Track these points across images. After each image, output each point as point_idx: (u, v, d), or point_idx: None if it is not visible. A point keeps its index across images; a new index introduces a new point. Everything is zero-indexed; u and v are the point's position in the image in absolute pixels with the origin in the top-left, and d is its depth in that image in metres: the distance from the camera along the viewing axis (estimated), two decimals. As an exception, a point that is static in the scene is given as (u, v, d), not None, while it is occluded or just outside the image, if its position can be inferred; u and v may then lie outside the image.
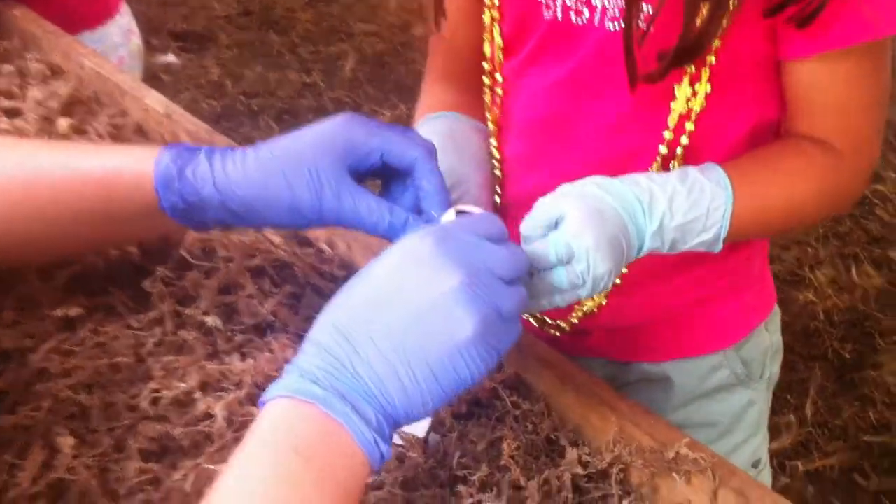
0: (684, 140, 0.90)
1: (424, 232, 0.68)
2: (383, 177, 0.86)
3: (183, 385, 0.87)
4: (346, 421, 0.62)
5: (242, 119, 3.24)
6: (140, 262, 0.99)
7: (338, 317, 0.66)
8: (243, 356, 0.89)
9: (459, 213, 0.79)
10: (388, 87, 3.40)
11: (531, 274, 0.77)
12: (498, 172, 1.06)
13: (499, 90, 1.01)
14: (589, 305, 1.04)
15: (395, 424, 0.65)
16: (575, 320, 1.06)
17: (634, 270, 0.99)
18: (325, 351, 0.65)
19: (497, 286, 0.66)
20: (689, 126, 0.89)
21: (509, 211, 1.05)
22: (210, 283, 0.94)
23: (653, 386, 1.14)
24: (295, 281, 0.98)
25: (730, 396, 1.14)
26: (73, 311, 0.93)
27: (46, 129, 1.18)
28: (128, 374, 0.88)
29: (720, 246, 0.85)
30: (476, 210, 0.80)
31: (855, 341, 2.50)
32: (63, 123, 1.19)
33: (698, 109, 0.88)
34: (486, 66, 1.01)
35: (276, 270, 0.98)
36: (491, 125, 1.04)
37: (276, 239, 1.02)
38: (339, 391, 0.63)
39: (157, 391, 0.86)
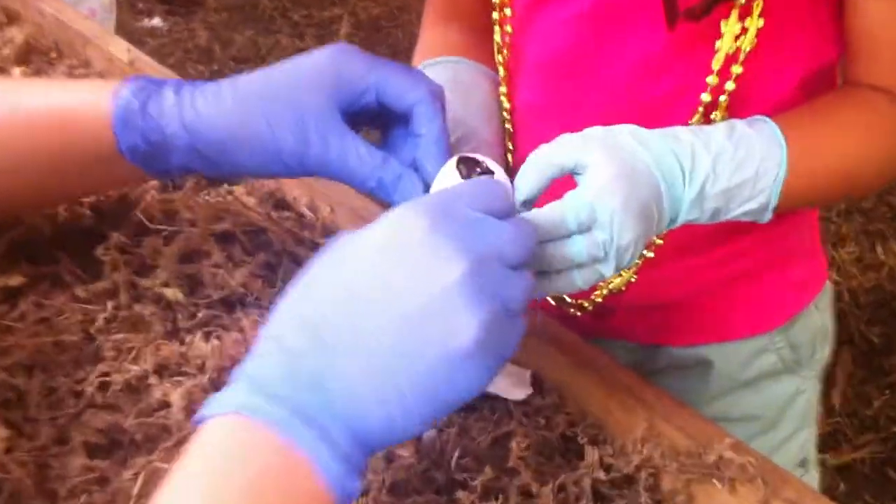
0: (729, 86, 0.77)
1: (418, 205, 0.55)
2: (383, 124, 0.75)
3: (136, 368, 0.75)
4: (313, 453, 0.49)
5: (231, 85, 3.11)
6: (92, 226, 0.87)
7: (305, 309, 0.53)
8: (207, 336, 0.77)
9: (464, 161, 0.67)
10: (385, 53, 3.26)
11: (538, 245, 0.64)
12: (509, 126, 0.93)
13: (508, 27, 0.88)
14: (616, 283, 0.92)
15: (370, 453, 0.52)
16: (598, 298, 0.94)
17: (668, 241, 0.86)
18: (288, 354, 0.51)
19: (504, 276, 0.54)
20: (736, 69, 0.76)
21: None
22: (170, 249, 0.82)
23: (686, 374, 1.01)
24: (270, 249, 0.86)
25: (775, 385, 1.02)
26: (14, 281, 0.81)
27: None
28: (74, 354, 0.77)
29: (769, 216, 0.72)
30: (483, 160, 0.67)
31: (883, 324, 2.37)
32: (17, 73, 1.06)
33: (748, 49, 0.75)
34: None
35: (248, 237, 0.86)
36: (500, 70, 0.91)
37: (249, 200, 0.89)
38: (305, 411, 0.50)
39: (106, 375, 0.75)
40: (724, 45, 0.75)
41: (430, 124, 0.69)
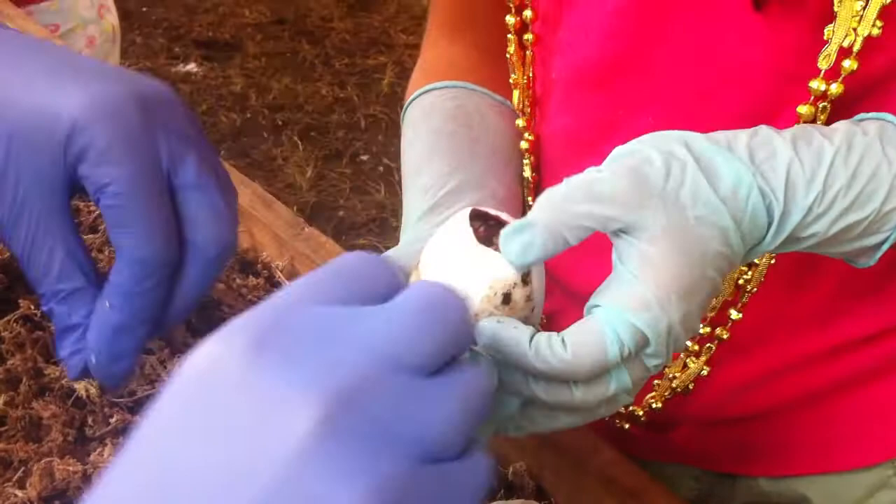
0: (835, 89, 0.53)
1: (232, 326, 0.32)
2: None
3: (20, 495, 0.54)
4: None
5: (264, 134, 2.94)
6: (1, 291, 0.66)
7: None
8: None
9: (478, 217, 0.45)
10: (428, 105, 3.09)
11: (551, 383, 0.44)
12: (528, 169, 0.70)
13: (528, 35, 0.66)
14: (680, 379, 0.68)
15: None
16: (656, 404, 0.70)
17: (751, 316, 0.63)
18: None
19: (408, 396, 0.31)
20: (850, 65, 0.52)
21: None
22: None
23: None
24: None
25: None
26: None
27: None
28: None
29: (877, 256, 0.49)
30: (499, 215, 0.46)
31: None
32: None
33: (869, 34, 0.52)
34: None
35: (197, 311, 0.65)
36: (516, 94, 0.68)
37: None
38: None
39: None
40: (837, 34, 0.51)
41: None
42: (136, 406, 0.59)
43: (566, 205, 0.44)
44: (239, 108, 3.04)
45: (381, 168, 2.81)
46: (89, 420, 0.58)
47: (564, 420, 0.45)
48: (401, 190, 0.65)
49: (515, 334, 0.43)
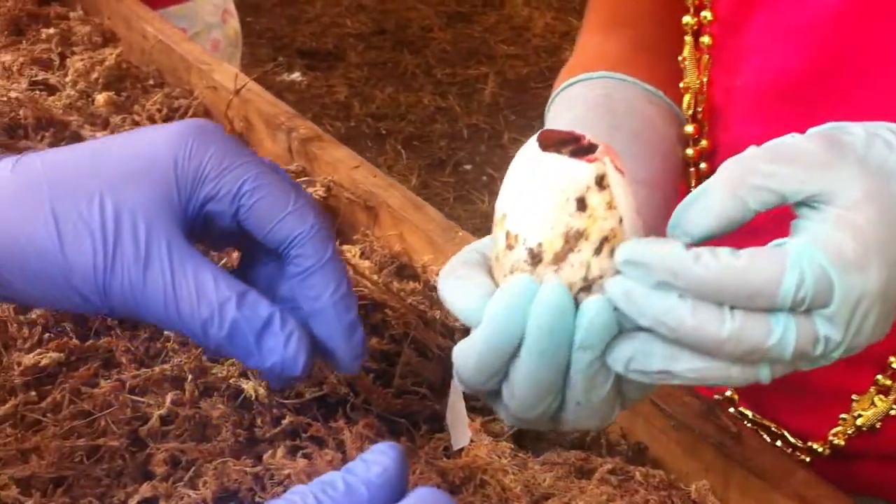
0: None
1: None
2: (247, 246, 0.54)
3: (192, 495, 0.53)
4: None
5: (368, 143, 2.95)
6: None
7: None
8: (293, 451, 0.55)
9: (548, 135, 0.42)
10: (533, 115, 3.05)
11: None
12: (693, 184, 0.67)
13: (706, 38, 0.63)
14: (866, 417, 0.64)
15: None
16: (838, 441, 0.66)
17: None
18: None
19: None
20: None
21: None
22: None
23: None
24: (386, 332, 0.63)
25: None
26: (48, 359, 0.61)
27: (84, 106, 0.88)
28: (114, 465, 0.56)
29: None
30: (577, 132, 0.43)
31: None
32: (100, 99, 0.88)
33: None
34: None
35: (359, 313, 0.64)
36: (686, 98, 0.65)
37: (363, 264, 0.67)
38: None
39: (152, 502, 0.53)
40: None
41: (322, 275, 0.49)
42: (304, 408, 0.58)
43: (751, 164, 0.41)
44: (343, 117, 3.06)
45: (484, 177, 2.80)
46: (258, 421, 0.57)
47: (684, 364, 0.40)
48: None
49: (667, 244, 0.39)
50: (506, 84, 3.28)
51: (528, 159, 0.43)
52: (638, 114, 0.64)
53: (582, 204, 0.41)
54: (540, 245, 0.41)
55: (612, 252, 0.41)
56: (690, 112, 0.66)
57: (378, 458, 0.40)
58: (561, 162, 0.41)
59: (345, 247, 0.72)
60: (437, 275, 0.70)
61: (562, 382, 0.42)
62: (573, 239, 0.41)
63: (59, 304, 0.49)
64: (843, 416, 0.64)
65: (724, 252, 0.39)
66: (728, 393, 0.72)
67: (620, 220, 0.41)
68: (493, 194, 2.71)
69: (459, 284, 0.43)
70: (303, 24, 3.59)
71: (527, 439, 0.61)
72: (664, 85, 0.67)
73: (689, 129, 0.66)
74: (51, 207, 0.46)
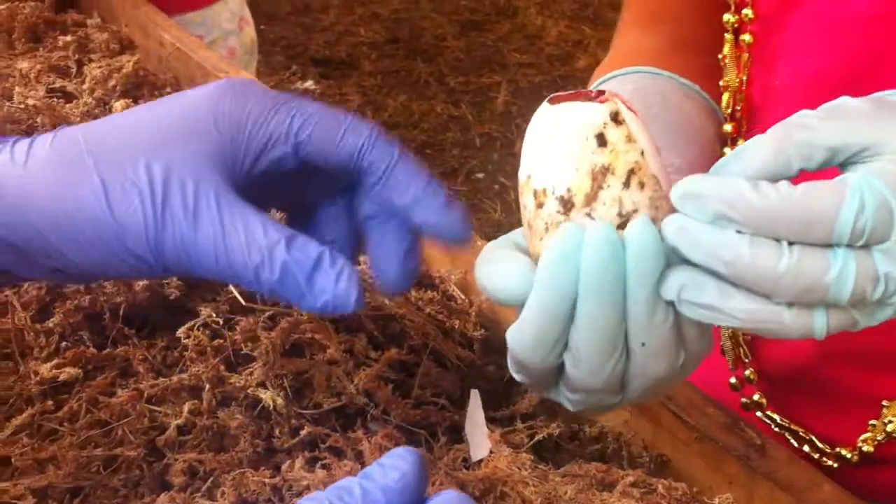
0: None
1: None
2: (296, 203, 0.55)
3: (209, 505, 0.53)
4: None
5: (381, 151, 2.95)
6: (180, 297, 0.66)
7: None
8: (312, 462, 0.54)
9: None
10: (544, 124, 3.06)
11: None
12: None
13: (746, 36, 0.62)
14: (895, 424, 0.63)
15: None
16: (867, 448, 0.66)
17: None
18: None
19: None
20: None
21: None
22: (272, 336, 0.60)
23: None
24: (404, 343, 0.63)
25: None
26: (66, 374, 0.60)
27: (101, 113, 0.88)
28: (131, 475, 0.55)
29: None
30: (586, 90, 0.44)
31: None
32: (118, 106, 0.88)
33: None
34: None
35: (377, 324, 0.63)
36: (725, 97, 0.64)
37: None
38: None
39: (167, 513, 0.53)
40: None
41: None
42: (322, 418, 0.58)
43: (798, 120, 0.40)
44: (356, 125, 3.06)
45: (496, 186, 2.79)
46: (276, 431, 0.57)
47: (737, 302, 0.39)
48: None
49: (724, 179, 0.39)
50: (518, 92, 3.28)
51: (542, 120, 0.44)
52: (674, 107, 0.63)
53: (602, 139, 0.41)
54: (569, 190, 0.42)
55: (640, 184, 0.42)
56: (729, 111, 0.65)
57: (396, 463, 0.40)
58: (574, 108, 0.42)
59: (361, 258, 0.71)
60: (455, 285, 0.70)
61: (623, 330, 0.41)
62: (600, 175, 0.41)
63: (114, 270, 0.49)
64: (872, 421, 0.63)
65: (783, 183, 0.38)
66: (756, 397, 0.71)
67: (642, 153, 0.42)
68: (506, 203, 2.72)
69: (497, 266, 0.43)
70: (317, 32, 3.60)
71: (547, 450, 0.61)
72: (701, 82, 0.67)
73: (728, 127, 0.66)
74: (97, 174, 0.46)
